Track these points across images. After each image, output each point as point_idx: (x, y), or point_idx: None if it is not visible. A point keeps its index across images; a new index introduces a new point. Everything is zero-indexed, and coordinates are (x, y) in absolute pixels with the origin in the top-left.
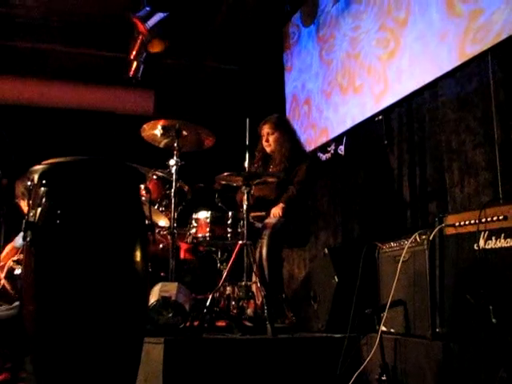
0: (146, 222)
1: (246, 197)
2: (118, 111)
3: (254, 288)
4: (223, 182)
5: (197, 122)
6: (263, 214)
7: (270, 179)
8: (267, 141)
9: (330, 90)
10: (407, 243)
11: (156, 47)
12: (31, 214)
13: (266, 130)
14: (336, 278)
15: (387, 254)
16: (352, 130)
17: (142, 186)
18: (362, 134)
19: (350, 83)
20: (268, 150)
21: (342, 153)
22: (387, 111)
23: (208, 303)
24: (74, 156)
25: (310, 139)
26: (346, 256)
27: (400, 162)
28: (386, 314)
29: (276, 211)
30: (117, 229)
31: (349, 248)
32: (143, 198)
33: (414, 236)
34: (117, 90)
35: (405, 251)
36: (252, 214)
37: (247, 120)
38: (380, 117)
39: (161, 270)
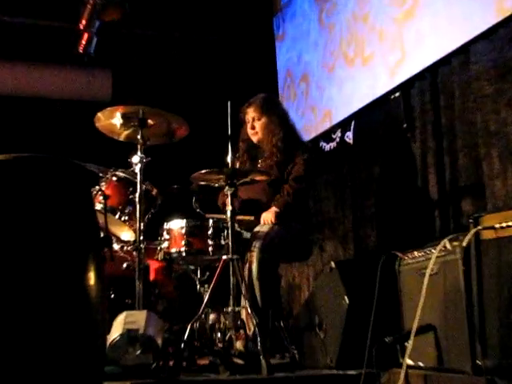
0: (101, 234)
1: (229, 200)
2: (65, 96)
3: (243, 315)
4: (201, 183)
5: (165, 108)
6: (252, 218)
7: (259, 177)
8: (253, 128)
9: (332, 62)
10: (435, 252)
11: (111, 14)
12: None
13: (250, 114)
14: (346, 298)
15: (410, 267)
16: (362, 112)
17: (97, 190)
18: (374, 116)
19: (357, 52)
20: (254, 139)
21: (350, 141)
22: (406, 86)
23: (186, 336)
24: (4, 154)
25: (310, 125)
26: (359, 270)
27: (424, 151)
28: (411, 342)
29: (268, 217)
30: (61, 244)
31: (362, 260)
32: (100, 205)
33: (443, 242)
34: (64, 70)
35: (432, 262)
36: (238, 218)
37: (229, 103)
38: (397, 94)
39: (125, 296)
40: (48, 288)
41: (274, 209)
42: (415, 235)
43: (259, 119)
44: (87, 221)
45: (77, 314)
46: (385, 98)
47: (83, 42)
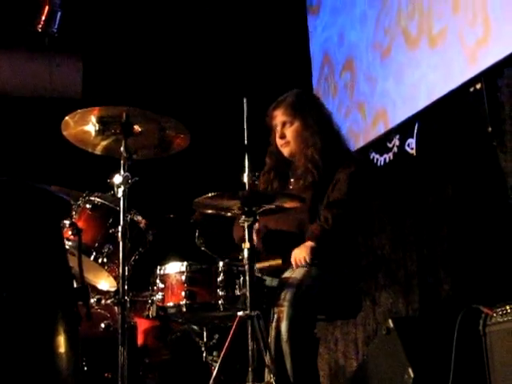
0: (74, 284)
1: (247, 234)
2: (19, 92)
3: None
4: (207, 211)
5: (158, 110)
6: (279, 262)
7: (289, 203)
8: (283, 136)
9: (387, 42)
10: None
11: None
12: None
13: (279, 118)
14: (411, 371)
15: (502, 327)
16: (429, 112)
17: (67, 223)
18: (446, 117)
19: (422, 29)
20: (285, 151)
21: (413, 151)
22: (491, 75)
23: None
24: None
25: (356, 130)
26: (427, 332)
27: None
28: None
29: (300, 255)
30: (20, 299)
31: (431, 317)
32: (69, 243)
33: None
34: (17, 56)
35: None
36: (258, 266)
37: (244, 101)
38: (478, 85)
39: (103, 369)
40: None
41: (308, 244)
42: (506, 284)
43: (291, 124)
44: (56, 266)
45: None
46: (461, 92)
47: (43, 18)
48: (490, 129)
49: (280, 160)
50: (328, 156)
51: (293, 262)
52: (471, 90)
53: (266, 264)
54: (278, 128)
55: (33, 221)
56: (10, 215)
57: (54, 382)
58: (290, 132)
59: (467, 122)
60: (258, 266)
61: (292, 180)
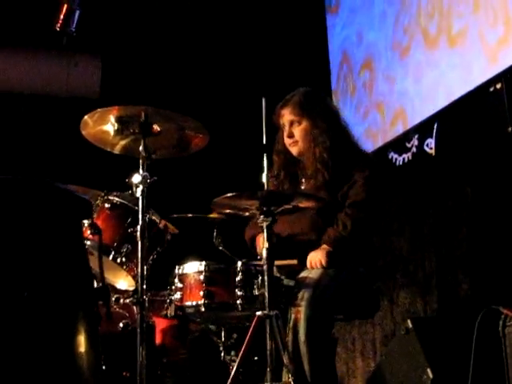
0: (95, 283)
1: (266, 235)
2: (37, 91)
3: None
4: (226, 211)
5: (177, 110)
6: (294, 262)
7: (305, 203)
8: (291, 135)
9: (406, 42)
10: None
11: None
12: None
13: (287, 116)
14: (429, 371)
15: None
16: (449, 112)
17: (86, 222)
18: (466, 116)
19: (442, 28)
20: (294, 150)
21: (432, 151)
22: (511, 74)
23: None
24: None
25: (375, 129)
26: (446, 332)
27: None
28: None
29: (316, 259)
30: (41, 299)
31: (450, 318)
32: (88, 243)
33: None
34: (35, 56)
35: None
36: (277, 263)
37: (263, 101)
38: (498, 85)
39: (121, 368)
40: (22, 361)
41: (324, 247)
42: None
43: (299, 123)
44: (77, 266)
45: None
46: (482, 92)
47: (61, 17)
48: (510, 129)
49: (288, 159)
50: (337, 154)
51: (308, 265)
52: (491, 89)
53: (281, 263)
54: (286, 127)
55: (54, 221)
56: (31, 215)
57: (75, 382)
58: (298, 131)
59: (487, 122)
60: (276, 264)
61: (303, 180)
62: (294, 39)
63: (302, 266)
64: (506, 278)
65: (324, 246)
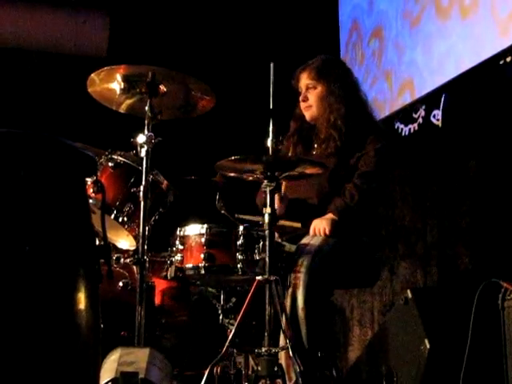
0: (97, 241)
1: (268, 199)
2: (44, 47)
3: (282, 359)
4: (229, 174)
5: (184, 70)
6: (298, 225)
7: (311, 169)
8: (305, 100)
9: (418, 12)
10: None
11: None
12: None
13: (303, 81)
14: (427, 342)
15: None
16: (457, 83)
17: (89, 180)
18: (474, 89)
19: (453, 0)
20: (307, 115)
21: (439, 122)
22: None
23: None
24: None
25: (382, 99)
26: (445, 303)
27: None
28: None
29: (320, 226)
30: (42, 253)
31: (449, 289)
32: (91, 201)
33: None
34: (43, 12)
35: None
36: (281, 223)
37: (271, 66)
38: (508, 58)
39: (120, 327)
40: (20, 315)
41: (329, 216)
42: None
43: (314, 88)
44: (80, 223)
45: (61, 349)
46: (491, 64)
47: None
48: None
49: (304, 124)
50: (352, 123)
51: (311, 232)
52: (501, 62)
53: (284, 223)
54: (303, 91)
55: (58, 176)
56: (35, 169)
57: (73, 338)
58: (312, 96)
59: (495, 95)
60: (280, 223)
61: (316, 145)
62: (304, 5)
63: (305, 229)
64: (507, 251)
65: (330, 214)
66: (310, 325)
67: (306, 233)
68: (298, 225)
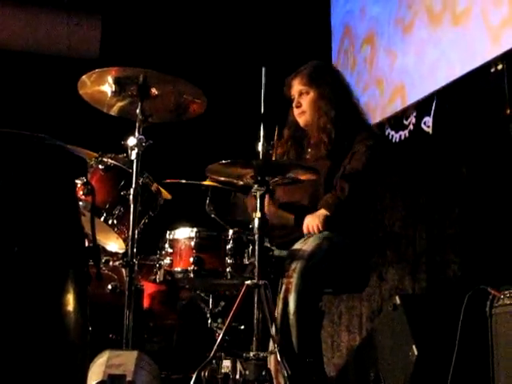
0: (86, 243)
1: (258, 203)
2: (36, 49)
3: (270, 364)
4: (220, 178)
5: (176, 74)
6: (292, 216)
7: (303, 175)
8: (298, 106)
9: (410, 18)
10: None
11: None
12: None
13: (296, 87)
14: (415, 348)
15: (508, 308)
16: (448, 90)
17: (79, 182)
18: (465, 96)
19: (446, 6)
20: (301, 121)
21: (429, 129)
22: None
23: None
24: None
25: (373, 105)
26: (433, 310)
27: None
28: None
29: (313, 222)
30: (31, 254)
31: (438, 296)
32: (81, 203)
33: None
34: (35, 14)
35: None
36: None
37: (263, 70)
38: (499, 66)
39: (108, 330)
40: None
41: (321, 212)
42: None
43: (307, 93)
44: (69, 224)
45: (49, 351)
46: (482, 72)
47: None
48: (508, 111)
49: (297, 130)
50: (342, 126)
51: (305, 229)
52: (492, 70)
53: (281, 214)
54: (295, 97)
55: (48, 177)
56: (25, 170)
57: (61, 339)
58: (305, 101)
59: (486, 103)
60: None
61: (308, 150)
62: (297, 10)
63: (298, 228)
64: (496, 259)
65: (321, 210)
66: (301, 330)
67: (298, 238)
68: (291, 216)
